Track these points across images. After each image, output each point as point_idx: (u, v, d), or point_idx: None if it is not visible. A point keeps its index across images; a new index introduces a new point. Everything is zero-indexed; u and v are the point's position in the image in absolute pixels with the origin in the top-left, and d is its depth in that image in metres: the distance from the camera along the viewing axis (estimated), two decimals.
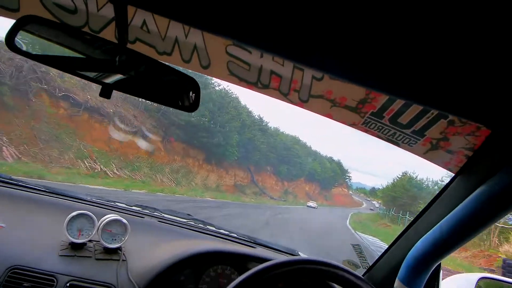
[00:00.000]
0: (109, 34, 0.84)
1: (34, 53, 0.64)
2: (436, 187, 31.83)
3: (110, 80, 0.66)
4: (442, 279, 1.05)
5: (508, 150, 0.77)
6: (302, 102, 1.01)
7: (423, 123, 0.94)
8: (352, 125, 1.03)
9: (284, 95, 1.01)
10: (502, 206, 0.74)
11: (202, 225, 1.53)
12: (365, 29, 0.42)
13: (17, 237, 1.03)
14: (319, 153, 61.20)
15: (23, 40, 0.62)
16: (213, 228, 1.54)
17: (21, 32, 0.61)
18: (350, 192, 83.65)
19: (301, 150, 49.06)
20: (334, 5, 0.39)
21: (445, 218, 0.88)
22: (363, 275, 1.29)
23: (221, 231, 1.54)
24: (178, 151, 23.76)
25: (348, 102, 0.97)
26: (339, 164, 70.86)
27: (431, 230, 0.93)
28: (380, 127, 1.01)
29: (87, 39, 0.66)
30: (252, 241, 1.51)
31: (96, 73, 0.67)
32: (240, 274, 0.81)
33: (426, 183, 36.38)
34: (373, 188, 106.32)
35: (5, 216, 1.10)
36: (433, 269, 0.95)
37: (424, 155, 1.03)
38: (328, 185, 60.73)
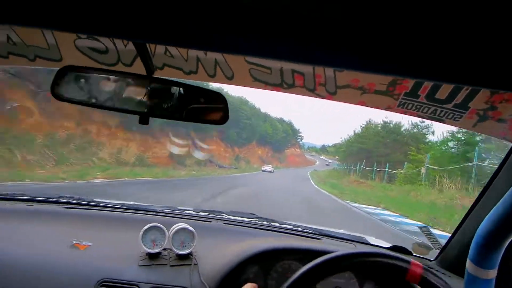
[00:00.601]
0: (141, 64, 0.87)
1: (76, 98, 0.72)
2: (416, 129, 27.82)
3: (145, 108, 0.72)
4: None
5: None
6: (331, 95, 1.04)
7: (463, 96, 0.90)
8: (388, 108, 1.04)
9: (312, 91, 1.04)
10: None
11: (266, 222, 1.57)
12: (373, 14, 0.40)
13: (102, 253, 1.16)
14: (269, 115, 57.34)
15: (65, 87, 0.71)
16: (277, 224, 1.57)
17: (63, 80, 0.71)
18: (303, 151, 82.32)
19: (250, 112, 43.85)
20: None
21: (510, 190, 0.78)
22: (436, 257, 1.32)
23: (285, 226, 1.56)
24: (69, 113, 15.55)
25: (377, 87, 0.97)
26: (290, 124, 69.10)
27: (496, 205, 0.83)
28: (418, 106, 0.99)
29: (120, 76, 0.74)
30: (317, 232, 1.52)
31: (132, 105, 0.73)
32: None
33: (404, 126, 31.12)
34: (323, 145, 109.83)
35: (90, 235, 1.22)
36: (505, 245, 0.84)
37: (474, 128, 1.00)
38: (280, 147, 57.88)
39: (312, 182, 24.81)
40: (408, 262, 0.77)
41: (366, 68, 0.46)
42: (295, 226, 1.56)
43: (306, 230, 1.52)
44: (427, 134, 26.68)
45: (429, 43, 0.41)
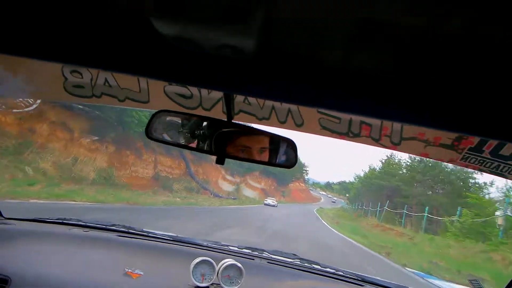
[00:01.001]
0: (218, 109, 1.11)
1: (166, 139, 0.83)
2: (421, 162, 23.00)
3: (223, 149, 0.81)
4: None
5: None
6: (395, 145, 1.09)
7: None
8: (450, 161, 1.07)
9: (376, 141, 1.10)
10: None
11: (307, 264, 1.57)
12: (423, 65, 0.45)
13: (153, 283, 1.19)
14: None
15: (157, 128, 0.81)
16: (319, 267, 1.56)
17: (156, 122, 0.80)
18: (307, 187, 77.22)
19: None
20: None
21: None
22: None
23: (327, 269, 1.55)
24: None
25: (443, 141, 1.02)
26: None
27: None
28: (481, 161, 1.01)
29: (206, 121, 0.84)
30: (359, 278, 1.50)
31: (213, 147, 0.81)
32: None
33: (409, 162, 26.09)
34: (328, 182, 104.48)
35: (141, 265, 1.24)
36: None
37: None
38: (285, 180, 53.18)
39: (324, 222, 21.07)
40: None
41: (431, 124, 0.48)
42: (337, 270, 1.56)
43: (348, 275, 1.50)
44: (475, 173, 20.68)
45: (493, 103, 0.44)
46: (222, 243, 1.64)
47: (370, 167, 34.92)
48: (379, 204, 23.77)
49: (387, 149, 1.46)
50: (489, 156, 0.98)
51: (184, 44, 0.44)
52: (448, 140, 0.99)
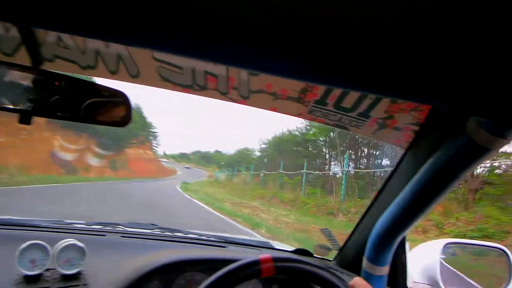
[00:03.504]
0: (25, 55, 0.76)
1: None
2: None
3: (28, 106, 0.63)
4: (410, 250, 1.16)
5: (447, 124, 0.82)
6: (244, 99, 1.01)
7: (366, 105, 0.95)
8: (299, 115, 1.05)
9: (224, 94, 1.00)
10: (448, 178, 0.78)
11: (169, 233, 1.46)
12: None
13: None
14: None
15: None
16: (181, 234, 1.47)
17: None
18: (157, 157, 57.02)
19: None
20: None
21: (400, 193, 0.91)
22: (335, 257, 1.34)
23: (190, 235, 1.47)
24: None
25: (289, 93, 0.98)
26: (139, 110, 43.02)
27: (389, 207, 0.95)
28: (326, 114, 1.02)
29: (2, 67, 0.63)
30: (223, 240, 1.46)
31: (12, 102, 0.63)
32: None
33: None
34: (182, 153, 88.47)
35: None
36: (396, 243, 0.99)
37: (373, 135, 1.05)
38: (117, 142, 32.45)
39: (202, 204, 11.80)
40: (257, 261, 0.72)
41: (280, 71, 0.44)
42: (200, 235, 1.51)
43: (211, 239, 1.47)
44: None
45: (343, 50, 0.41)
46: (66, 221, 1.44)
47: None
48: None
49: (236, 103, 1.05)
50: (332, 109, 0.99)
51: None
52: (295, 93, 0.96)
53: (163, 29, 0.37)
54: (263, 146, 27.60)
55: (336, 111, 1.00)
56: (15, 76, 0.63)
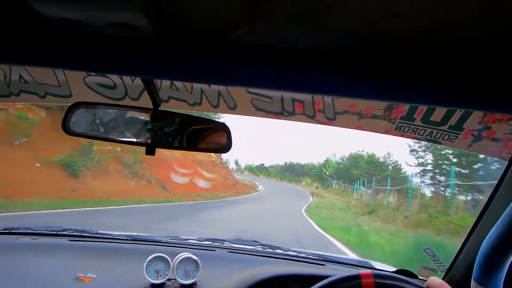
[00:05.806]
0: (147, 98, 0.90)
1: (87, 133, 0.77)
2: None
3: (152, 140, 0.77)
4: None
5: None
6: (330, 121, 1.07)
7: (457, 117, 0.94)
8: (386, 132, 1.07)
9: (311, 118, 1.08)
10: None
11: (270, 250, 1.56)
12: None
13: (106, 285, 1.15)
14: None
15: (75, 122, 0.74)
16: (281, 251, 1.55)
17: (74, 116, 0.73)
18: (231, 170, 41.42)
19: None
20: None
21: (507, 208, 0.83)
22: (443, 279, 1.25)
23: (289, 252, 1.55)
24: None
25: (374, 112, 1.00)
26: None
27: (496, 223, 0.88)
28: (415, 129, 1.03)
29: (128, 110, 0.80)
30: (321, 258, 1.50)
31: (140, 137, 0.78)
32: None
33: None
34: (262, 165, 62.66)
35: (95, 267, 1.21)
36: (508, 263, 0.87)
37: (470, 148, 1.03)
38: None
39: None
40: (357, 276, 0.75)
41: (361, 95, 0.48)
42: (299, 252, 1.57)
43: (310, 257, 1.52)
44: None
45: (421, 70, 0.45)
46: (181, 237, 1.61)
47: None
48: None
49: (323, 125, 1.17)
50: (421, 124, 1.00)
51: (70, 24, 0.41)
52: (379, 111, 0.99)
53: (257, 70, 0.47)
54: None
55: (425, 125, 0.98)
56: (140, 116, 0.78)
